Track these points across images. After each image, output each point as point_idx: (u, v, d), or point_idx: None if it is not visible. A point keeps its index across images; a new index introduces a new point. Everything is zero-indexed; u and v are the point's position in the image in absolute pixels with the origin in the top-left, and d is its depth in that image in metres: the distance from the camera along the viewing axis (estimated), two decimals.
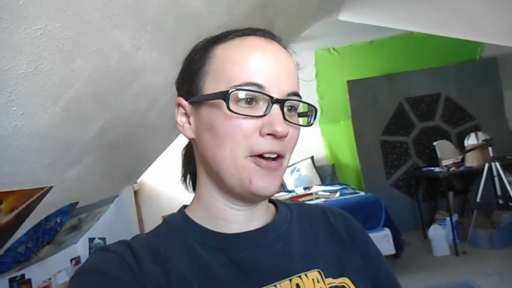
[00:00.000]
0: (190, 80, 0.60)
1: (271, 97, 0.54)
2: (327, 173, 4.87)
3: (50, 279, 2.28)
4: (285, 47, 0.61)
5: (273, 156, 0.55)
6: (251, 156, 0.54)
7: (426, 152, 4.75)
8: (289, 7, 2.44)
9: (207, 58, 0.58)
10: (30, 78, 1.07)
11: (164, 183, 4.80)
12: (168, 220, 0.64)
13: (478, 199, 3.76)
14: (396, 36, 4.65)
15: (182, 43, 1.14)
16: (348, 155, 5.11)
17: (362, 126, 4.80)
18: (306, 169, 4.75)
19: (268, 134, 0.54)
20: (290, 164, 3.86)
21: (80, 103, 1.35)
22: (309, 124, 0.62)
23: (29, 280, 2.10)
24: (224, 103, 0.53)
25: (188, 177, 0.73)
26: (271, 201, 0.69)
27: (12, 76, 1.02)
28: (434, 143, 4.47)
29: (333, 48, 4.72)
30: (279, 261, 0.57)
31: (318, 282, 0.56)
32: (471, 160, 4.09)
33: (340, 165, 5.14)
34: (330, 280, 0.57)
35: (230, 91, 0.53)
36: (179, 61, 0.66)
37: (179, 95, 0.62)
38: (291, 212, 0.66)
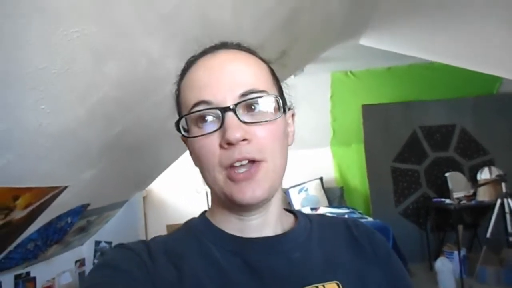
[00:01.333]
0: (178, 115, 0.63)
1: (219, 108, 0.54)
2: (335, 195, 4.83)
3: (54, 278, 2.28)
4: (246, 50, 0.62)
5: (244, 163, 0.54)
6: (224, 170, 0.55)
7: (438, 183, 4.70)
8: (312, 27, 2.47)
9: (177, 92, 0.63)
10: (62, 78, 1.09)
11: (170, 192, 4.80)
12: (188, 223, 0.65)
13: (488, 235, 3.70)
14: (415, 65, 4.66)
15: None
16: (357, 179, 5.08)
17: (374, 151, 4.77)
18: (314, 190, 4.71)
19: (228, 144, 0.53)
20: (298, 183, 3.80)
21: (105, 106, 1.37)
22: (278, 116, 0.57)
23: (34, 278, 2.11)
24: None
25: None
26: (290, 211, 0.69)
27: (46, 75, 1.04)
28: (446, 174, 4.42)
29: (351, 72, 4.74)
30: (297, 269, 0.57)
31: None
32: (483, 195, 4.03)
33: (348, 189, 5.10)
34: None
35: (179, 120, 0.57)
36: None
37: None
38: (311, 223, 0.66)
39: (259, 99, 0.55)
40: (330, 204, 4.62)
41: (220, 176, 0.55)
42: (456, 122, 4.80)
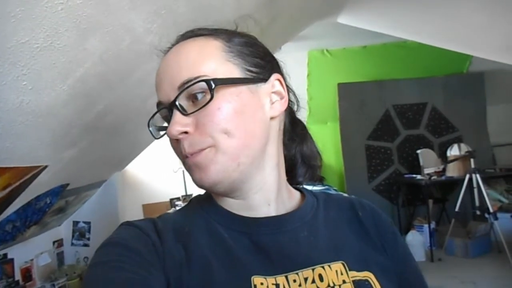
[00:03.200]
0: None
1: (166, 107, 0.56)
2: None
3: (32, 260, 2.24)
4: (197, 34, 0.60)
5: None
6: (183, 159, 0.58)
7: (409, 160, 4.86)
8: (292, 5, 2.45)
9: None
10: (44, 53, 1.05)
11: (146, 172, 4.74)
12: (193, 202, 0.65)
13: (456, 209, 3.87)
14: (389, 43, 4.73)
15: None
16: (332, 157, 5.17)
17: (349, 129, 4.86)
18: None
19: (175, 140, 0.56)
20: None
21: (87, 83, 1.33)
22: (210, 99, 0.53)
23: (12, 260, 2.06)
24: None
25: None
26: (298, 188, 0.68)
27: (28, 49, 1.00)
28: (418, 151, 4.57)
29: (327, 50, 4.76)
30: (303, 249, 0.57)
31: (342, 274, 0.55)
32: (452, 170, 4.20)
33: (324, 166, 5.14)
34: (353, 273, 0.56)
35: (149, 120, 0.60)
36: None
37: None
38: (318, 201, 0.65)
39: (190, 88, 0.53)
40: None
41: (185, 166, 0.58)
42: (427, 100, 4.95)
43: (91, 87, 1.38)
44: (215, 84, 0.53)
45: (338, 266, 0.56)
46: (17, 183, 1.52)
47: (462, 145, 4.27)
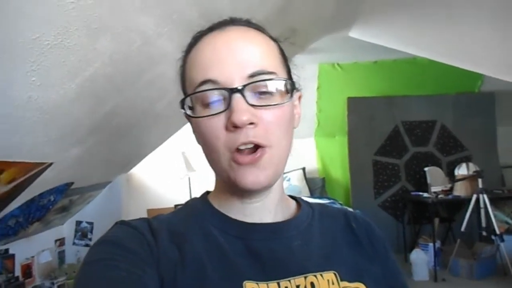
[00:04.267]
0: (182, 91, 0.61)
1: (226, 89, 0.52)
2: (317, 185, 4.89)
3: (33, 257, 2.25)
4: (255, 27, 0.59)
5: (250, 146, 0.53)
6: (229, 153, 0.53)
7: (416, 177, 4.81)
8: (304, 17, 2.47)
9: (182, 67, 0.60)
10: (54, 50, 1.07)
11: (152, 176, 4.76)
12: (189, 204, 0.65)
13: (462, 229, 3.81)
14: (400, 60, 4.72)
15: None
16: (339, 171, 5.14)
17: (357, 143, 4.84)
18: (296, 180, 4.76)
19: (234, 127, 0.51)
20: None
21: (96, 83, 1.35)
22: (286, 101, 0.55)
23: (13, 256, 2.08)
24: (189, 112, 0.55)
25: None
26: (294, 198, 0.68)
27: (38, 46, 1.02)
28: (425, 169, 4.52)
29: (338, 64, 4.77)
30: (296, 257, 0.57)
31: (333, 284, 0.55)
32: (460, 190, 4.15)
33: (330, 180, 5.16)
34: (345, 283, 0.56)
35: (184, 99, 0.55)
36: None
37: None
38: (313, 211, 0.66)
39: (268, 82, 0.53)
40: (312, 194, 4.67)
41: (224, 159, 0.54)
42: (436, 118, 4.91)
43: (99, 87, 1.40)
44: (293, 88, 0.55)
45: (330, 275, 0.56)
46: (22, 178, 1.54)
47: (471, 164, 4.22)
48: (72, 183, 2.01)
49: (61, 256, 2.60)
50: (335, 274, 0.56)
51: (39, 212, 1.94)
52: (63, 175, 1.83)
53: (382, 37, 3.40)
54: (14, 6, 0.88)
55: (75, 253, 2.69)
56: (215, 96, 0.53)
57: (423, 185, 4.52)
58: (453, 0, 2.21)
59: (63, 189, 1.97)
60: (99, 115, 1.56)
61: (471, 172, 4.07)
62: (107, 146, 1.89)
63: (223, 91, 0.52)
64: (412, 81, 4.91)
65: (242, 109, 0.51)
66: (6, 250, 2.03)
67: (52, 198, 1.93)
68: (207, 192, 0.67)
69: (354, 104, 4.81)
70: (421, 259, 3.87)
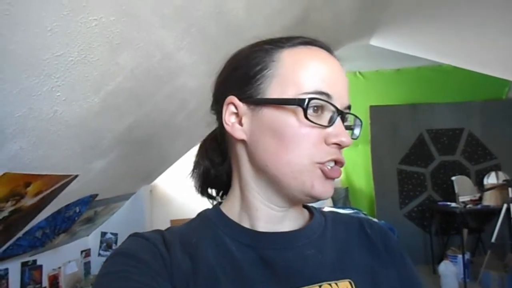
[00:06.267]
0: (247, 81, 0.59)
1: (337, 108, 0.55)
2: (340, 195, 4.83)
3: (60, 267, 2.30)
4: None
5: (332, 164, 0.56)
6: (319, 163, 0.55)
7: (443, 187, 4.68)
8: (324, 26, 2.47)
9: (272, 61, 0.58)
10: (78, 66, 1.10)
11: (176, 187, 4.80)
12: (202, 214, 0.65)
13: (493, 240, 3.68)
14: (424, 67, 4.66)
15: (220, 51, 1.17)
16: (363, 180, 5.07)
17: (381, 152, 4.76)
18: None
19: (334, 144, 0.55)
20: None
21: (118, 97, 1.38)
22: (355, 138, 0.62)
23: (40, 266, 2.13)
24: (298, 110, 0.54)
25: (199, 171, 0.72)
26: (306, 207, 0.68)
27: (63, 62, 1.05)
28: (453, 178, 4.41)
29: (359, 72, 4.74)
30: (310, 266, 0.56)
31: None
32: (489, 199, 4.02)
33: (353, 189, 5.09)
34: None
35: (308, 98, 0.53)
36: (215, 69, 0.65)
37: (228, 94, 0.60)
38: (326, 220, 0.65)
39: (353, 116, 0.62)
40: (335, 204, 4.61)
41: (311, 167, 0.55)
42: (463, 126, 4.78)
43: (122, 101, 1.43)
44: None
45: (345, 284, 0.55)
46: (48, 191, 1.58)
47: (500, 173, 4.09)
48: (97, 194, 2.05)
49: (86, 267, 2.64)
50: (350, 283, 0.56)
51: (65, 224, 1.99)
52: (88, 187, 1.87)
53: (404, 44, 3.36)
54: (41, 24, 0.91)
55: (100, 264, 2.71)
56: (327, 111, 0.56)
57: (451, 195, 4.40)
58: (478, 8, 2.16)
59: (88, 201, 2.01)
60: (122, 128, 1.59)
61: (500, 181, 3.94)
62: (129, 158, 1.92)
63: (333, 108, 0.56)
64: (436, 89, 4.83)
65: (346, 132, 0.56)
66: (34, 261, 2.08)
67: (77, 209, 1.97)
68: (219, 203, 0.67)
69: (376, 113, 4.75)
70: (450, 271, 3.74)
